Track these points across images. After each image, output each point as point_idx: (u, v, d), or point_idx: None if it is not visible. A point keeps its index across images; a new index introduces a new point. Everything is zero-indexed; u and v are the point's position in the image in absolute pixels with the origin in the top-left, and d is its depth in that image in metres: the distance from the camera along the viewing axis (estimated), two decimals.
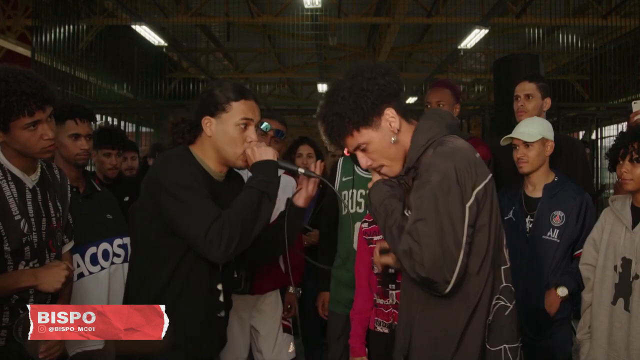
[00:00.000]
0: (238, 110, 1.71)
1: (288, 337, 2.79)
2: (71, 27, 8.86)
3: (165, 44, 10.12)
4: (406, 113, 1.56)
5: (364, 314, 2.17)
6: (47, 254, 1.77)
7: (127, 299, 1.80)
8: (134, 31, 9.20)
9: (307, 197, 1.87)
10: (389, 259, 1.72)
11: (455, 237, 1.39)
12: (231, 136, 1.70)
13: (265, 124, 2.60)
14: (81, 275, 2.19)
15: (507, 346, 1.48)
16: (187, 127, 1.77)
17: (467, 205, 1.41)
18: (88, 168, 2.73)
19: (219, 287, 1.76)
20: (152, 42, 9.73)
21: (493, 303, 1.48)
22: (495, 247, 1.48)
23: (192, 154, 1.74)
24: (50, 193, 1.82)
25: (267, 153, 1.70)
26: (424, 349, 1.51)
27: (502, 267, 1.52)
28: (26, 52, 8.84)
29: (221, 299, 1.77)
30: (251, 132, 1.73)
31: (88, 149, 2.29)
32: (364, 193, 2.59)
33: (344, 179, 2.68)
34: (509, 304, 1.51)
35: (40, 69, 7.87)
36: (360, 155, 1.56)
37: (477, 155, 1.50)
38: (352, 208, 2.62)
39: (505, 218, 2.46)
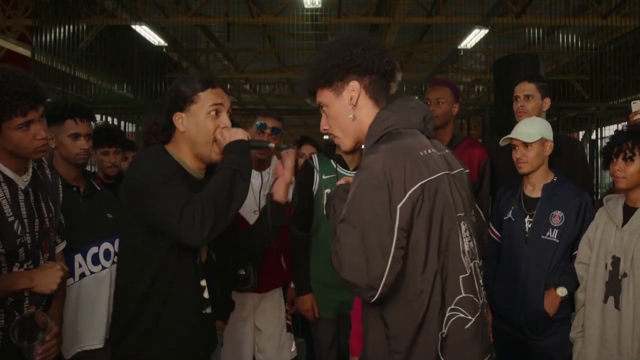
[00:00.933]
0: (207, 98, 1.69)
1: (290, 336, 2.79)
2: (71, 27, 8.86)
3: (165, 44, 10.11)
4: (378, 94, 1.48)
5: None
6: (41, 255, 1.76)
7: (115, 305, 1.78)
8: (134, 31, 9.19)
9: (286, 185, 1.82)
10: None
11: (380, 239, 1.27)
12: (203, 125, 1.68)
13: (259, 122, 2.60)
14: (83, 275, 2.19)
15: None
16: (160, 128, 1.76)
17: (398, 206, 1.29)
18: (88, 168, 2.73)
19: (203, 283, 1.75)
20: (152, 42, 9.73)
21: (447, 315, 1.33)
22: (442, 253, 1.34)
23: (168, 153, 1.72)
24: (43, 193, 1.81)
25: (237, 134, 1.67)
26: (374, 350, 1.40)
27: (461, 276, 1.36)
28: (26, 52, 8.84)
29: (205, 295, 1.75)
30: (224, 118, 1.71)
31: (88, 149, 2.29)
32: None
33: (324, 177, 2.62)
34: (470, 317, 1.35)
35: (40, 69, 7.87)
36: (322, 116, 1.54)
37: (429, 151, 1.39)
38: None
39: (505, 218, 2.47)
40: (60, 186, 1.95)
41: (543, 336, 2.34)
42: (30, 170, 1.79)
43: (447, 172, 1.40)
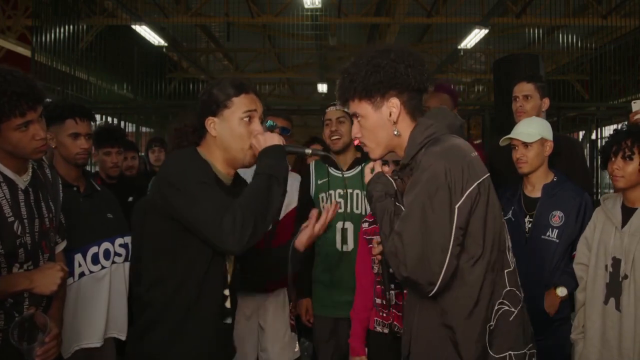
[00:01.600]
0: (240, 104, 1.66)
1: (294, 336, 2.79)
2: (71, 27, 8.86)
3: (165, 44, 10.12)
4: (415, 111, 1.52)
5: (364, 314, 2.17)
6: (41, 255, 1.75)
7: (136, 305, 1.75)
8: (134, 31, 9.20)
9: (312, 237, 1.81)
10: (385, 168, 1.69)
11: (441, 237, 1.35)
12: (237, 131, 1.66)
13: (270, 122, 2.61)
14: (82, 274, 2.19)
15: (512, 353, 1.43)
16: (191, 130, 1.74)
17: (457, 206, 1.37)
18: (88, 168, 2.73)
19: (226, 292, 1.72)
20: (152, 42, 9.73)
21: (496, 308, 1.43)
22: (493, 249, 1.43)
23: (201, 156, 1.69)
24: (43, 193, 1.81)
25: (272, 139, 1.64)
26: (422, 355, 1.48)
27: (506, 271, 1.46)
28: (26, 52, 8.84)
29: (227, 305, 1.73)
30: (256, 125, 1.68)
31: (88, 148, 2.28)
32: (342, 192, 2.61)
33: (319, 182, 2.68)
34: (513, 309, 1.46)
35: (40, 69, 7.87)
36: (355, 124, 1.57)
37: (474, 154, 1.46)
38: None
39: (505, 218, 2.46)
40: (61, 186, 1.95)
41: (543, 336, 2.34)
42: (30, 170, 1.78)
43: (488, 174, 1.47)
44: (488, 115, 7.73)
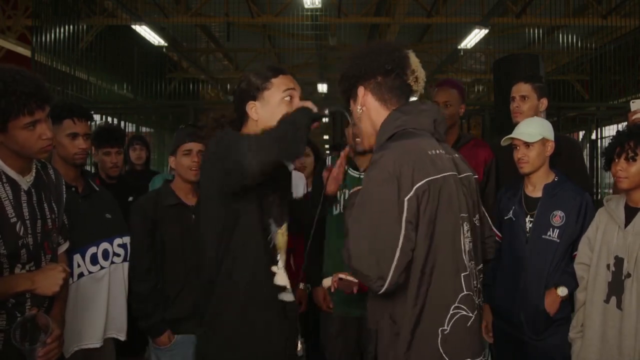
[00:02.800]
0: (279, 84, 1.72)
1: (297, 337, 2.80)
2: (71, 27, 8.86)
3: (165, 44, 10.11)
4: (386, 94, 1.55)
5: None
6: (43, 256, 1.75)
7: (217, 297, 1.75)
8: (134, 31, 9.19)
9: (337, 178, 1.97)
10: None
11: (388, 231, 1.33)
12: (279, 110, 1.70)
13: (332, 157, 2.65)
14: (81, 275, 2.19)
15: None
16: (228, 120, 1.79)
17: (406, 198, 1.34)
18: (88, 168, 2.73)
19: (274, 269, 1.75)
20: (152, 42, 9.73)
21: (451, 312, 1.38)
22: (444, 250, 1.38)
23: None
24: (46, 194, 1.80)
25: (305, 103, 1.69)
26: (384, 349, 1.45)
27: (462, 274, 1.41)
28: (26, 52, 8.84)
29: (278, 281, 1.76)
30: (298, 102, 1.73)
31: (86, 149, 2.28)
32: None
33: None
34: (470, 314, 1.40)
35: (40, 69, 7.87)
36: None
37: (435, 152, 1.44)
38: (344, 208, 2.63)
39: (505, 218, 2.46)
40: (64, 186, 1.95)
41: (543, 336, 2.34)
42: (34, 170, 1.78)
43: (453, 173, 1.45)
44: (488, 115, 7.73)
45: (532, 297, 2.32)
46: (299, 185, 2.69)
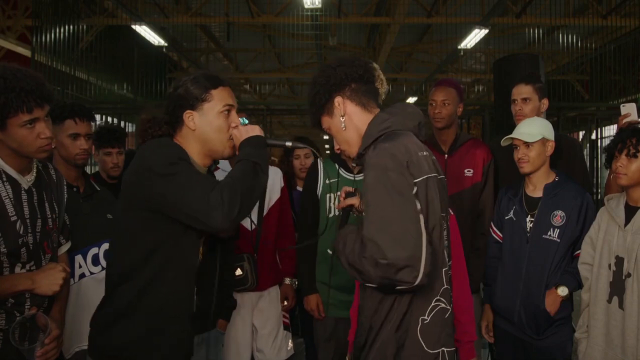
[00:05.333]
0: (219, 97, 1.69)
1: (287, 334, 2.80)
2: (71, 27, 8.87)
3: (165, 44, 10.11)
4: (363, 98, 1.59)
5: None
6: (43, 255, 1.75)
7: (109, 298, 1.71)
8: (134, 31, 9.19)
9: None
10: (354, 200, 1.75)
11: (411, 220, 1.35)
12: (217, 124, 1.68)
13: (242, 119, 2.62)
14: (83, 275, 2.19)
15: (445, 349, 1.47)
16: (165, 120, 1.74)
17: (413, 192, 1.39)
18: (89, 168, 2.73)
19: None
20: (152, 42, 9.73)
21: (432, 304, 1.46)
22: (435, 247, 1.45)
23: (178, 144, 1.70)
24: (47, 194, 1.80)
25: (253, 130, 1.68)
26: (379, 346, 1.49)
27: (443, 269, 1.49)
28: (26, 52, 8.84)
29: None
30: (235, 117, 1.72)
31: (87, 149, 2.28)
32: None
33: (327, 182, 2.66)
34: (448, 307, 1.49)
35: (40, 69, 7.88)
36: (334, 139, 1.67)
37: (422, 153, 1.49)
38: (337, 210, 2.62)
39: (506, 218, 2.47)
40: (65, 187, 1.95)
41: (544, 336, 2.34)
42: (35, 170, 1.78)
43: (435, 174, 1.51)
44: (488, 115, 7.74)
45: (533, 296, 2.32)
46: (275, 180, 2.68)
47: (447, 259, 1.53)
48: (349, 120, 1.59)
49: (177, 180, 1.50)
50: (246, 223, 2.59)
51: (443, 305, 1.48)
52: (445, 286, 1.49)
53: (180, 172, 1.52)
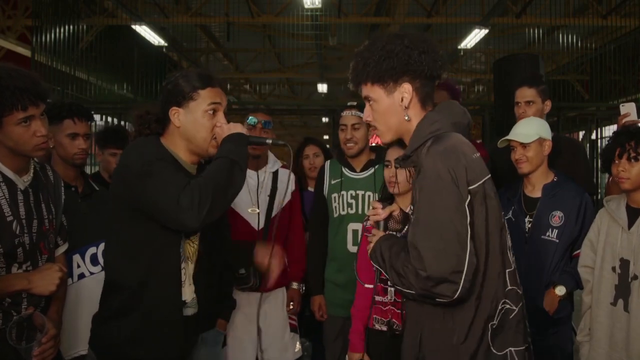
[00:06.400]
0: (206, 97, 1.69)
1: (295, 336, 2.79)
2: (71, 27, 8.86)
3: (165, 44, 10.11)
4: (426, 99, 1.52)
5: (365, 312, 2.17)
6: (39, 256, 1.75)
7: (103, 299, 1.76)
8: (134, 31, 9.19)
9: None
10: (393, 207, 1.76)
11: (457, 235, 1.35)
12: (200, 123, 1.69)
13: (250, 118, 2.62)
14: (82, 275, 2.19)
15: (512, 349, 1.46)
16: (153, 118, 1.76)
17: (465, 204, 1.37)
18: (89, 169, 2.72)
19: (183, 284, 1.75)
20: (152, 42, 9.73)
21: (499, 307, 1.45)
22: (496, 249, 1.44)
23: (163, 144, 1.73)
24: (44, 195, 1.80)
25: (235, 127, 1.69)
26: (433, 353, 1.48)
27: (507, 270, 1.47)
28: (26, 52, 8.84)
29: (184, 297, 1.75)
30: (220, 117, 1.72)
31: (86, 149, 2.28)
32: (354, 194, 2.63)
33: (332, 182, 2.70)
34: (514, 307, 1.48)
35: (40, 69, 7.87)
36: (367, 107, 1.57)
37: (476, 155, 1.46)
38: (343, 210, 2.64)
39: (505, 218, 2.46)
40: (63, 188, 1.94)
41: (544, 335, 2.34)
42: (32, 171, 1.79)
43: (489, 175, 1.48)
44: (488, 115, 7.74)
45: (532, 296, 2.31)
46: (287, 183, 2.70)
47: (512, 259, 1.50)
48: (409, 112, 1.50)
49: (151, 181, 1.54)
50: (254, 222, 2.61)
51: (508, 306, 1.47)
52: (510, 287, 1.47)
53: (154, 173, 1.55)
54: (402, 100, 1.49)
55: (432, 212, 1.37)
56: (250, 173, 2.61)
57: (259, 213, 2.64)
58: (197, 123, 1.69)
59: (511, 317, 1.47)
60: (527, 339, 1.52)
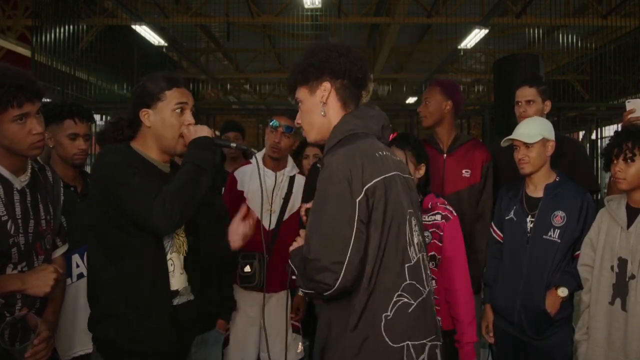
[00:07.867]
0: (172, 97, 1.80)
1: (297, 337, 2.79)
2: (71, 27, 8.86)
3: (165, 44, 10.11)
4: (347, 99, 1.62)
5: None
6: (35, 257, 1.74)
7: (91, 301, 1.82)
8: (134, 31, 9.19)
9: (244, 236, 1.95)
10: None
11: (342, 229, 1.43)
12: (169, 122, 1.79)
13: (274, 121, 2.64)
14: (81, 275, 2.18)
15: (410, 343, 1.48)
16: (126, 124, 1.85)
17: (357, 199, 1.45)
18: (89, 169, 2.72)
19: (170, 273, 1.81)
20: (152, 42, 9.73)
21: (394, 300, 1.49)
22: (393, 243, 1.49)
23: (133, 149, 1.82)
24: (41, 195, 1.79)
25: (202, 131, 1.79)
26: (333, 340, 1.53)
27: (406, 265, 1.52)
28: (26, 52, 8.84)
29: (173, 286, 1.80)
30: (188, 116, 1.82)
31: (86, 149, 2.28)
32: None
33: None
34: (412, 301, 1.51)
35: (40, 69, 7.87)
36: (299, 111, 1.69)
37: (382, 153, 1.54)
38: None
39: (506, 218, 2.46)
40: (62, 189, 1.94)
41: (544, 336, 2.34)
42: (29, 171, 1.78)
43: (398, 172, 1.56)
44: (488, 115, 7.74)
45: (533, 297, 2.32)
46: (299, 187, 2.70)
47: (413, 254, 1.54)
48: (325, 108, 1.62)
49: (122, 189, 1.67)
50: (265, 223, 2.61)
51: (406, 300, 1.51)
52: (409, 281, 1.52)
53: (124, 182, 1.67)
54: (322, 98, 1.62)
55: (323, 205, 1.46)
56: (268, 173, 2.69)
57: (271, 213, 2.65)
58: (166, 122, 1.79)
59: (409, 311, 1.50)
60: (429, 334, 1.53)
